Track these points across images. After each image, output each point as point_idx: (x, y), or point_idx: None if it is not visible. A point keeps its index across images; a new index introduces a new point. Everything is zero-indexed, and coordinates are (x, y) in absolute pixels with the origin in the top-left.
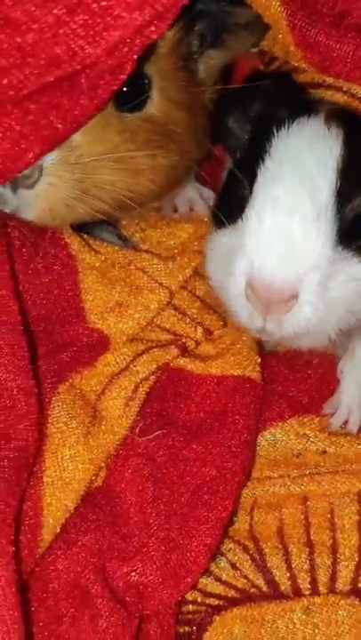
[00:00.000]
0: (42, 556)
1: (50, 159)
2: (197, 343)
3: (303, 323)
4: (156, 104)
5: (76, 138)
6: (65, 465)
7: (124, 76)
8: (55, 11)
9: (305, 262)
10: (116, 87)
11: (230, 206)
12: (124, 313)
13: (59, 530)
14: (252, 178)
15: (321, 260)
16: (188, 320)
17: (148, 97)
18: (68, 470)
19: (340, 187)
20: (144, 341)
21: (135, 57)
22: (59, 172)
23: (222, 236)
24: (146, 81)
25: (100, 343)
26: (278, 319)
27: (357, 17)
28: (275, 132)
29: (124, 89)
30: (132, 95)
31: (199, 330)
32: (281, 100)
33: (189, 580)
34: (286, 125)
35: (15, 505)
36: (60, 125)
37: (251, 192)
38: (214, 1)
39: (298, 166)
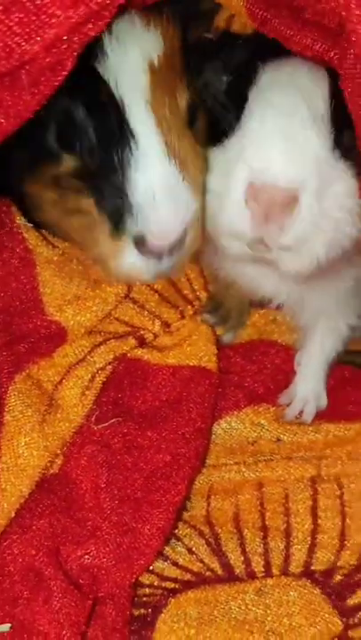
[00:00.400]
0: None
1: (191, 214)
2: (155, 336)
3: (303, 228)
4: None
5: (198, 180)
6: (20, 452)
7: (65, 73)
8: None
9: (307, 164)
10: (57, 83)
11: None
12: (82, 306)
13: (13, 515)
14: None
15: (321, 163)
16: (146, 313)
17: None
18: (23, 457)
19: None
20: (102, 333)
21: (75, 54)
22: (196, 222)
23: (218, 152)
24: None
25: (58, 335)
26: (278, 224)
27: (312, 14)
28: (260, 67)
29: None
30: (192, 118)
31: (157, 322)
32: (261, 48)
33: (142, 562)
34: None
35: None
36: (2, 120)
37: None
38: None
39: (292, 76)
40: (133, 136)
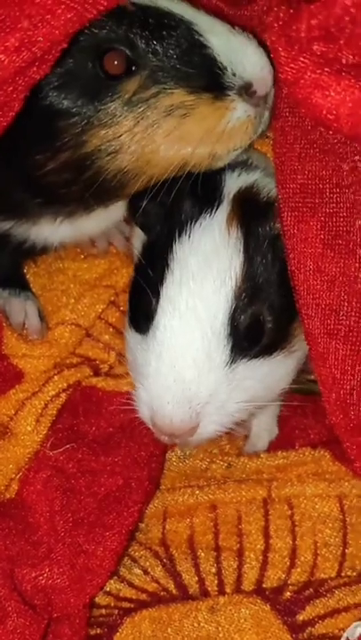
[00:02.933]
0: None
1: None
2: (111, 367)
3: (209, 435)
4: None
5: None
6: None
7: (12, 113)
8: None
9: (200, 399)
10: (5, 123)
11: (140, 314)
12: (41, 354)
13: None
14: (157, 287)
15: (218, 388)
16: (101, 346)
17: None
18: None
19: (238, 298)
20: (58, 367)
21: (22, 96)
22: None
23: (136, 342)
24: None
25: (15, 376)
26: (184, 440)
27: None
28: (177, 238)
29: None
30: None
31: (112, 354)
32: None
33: (96, 582)
34: (188, 232)
35: None
36: None
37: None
38: None
39: (193, 293)
40: None
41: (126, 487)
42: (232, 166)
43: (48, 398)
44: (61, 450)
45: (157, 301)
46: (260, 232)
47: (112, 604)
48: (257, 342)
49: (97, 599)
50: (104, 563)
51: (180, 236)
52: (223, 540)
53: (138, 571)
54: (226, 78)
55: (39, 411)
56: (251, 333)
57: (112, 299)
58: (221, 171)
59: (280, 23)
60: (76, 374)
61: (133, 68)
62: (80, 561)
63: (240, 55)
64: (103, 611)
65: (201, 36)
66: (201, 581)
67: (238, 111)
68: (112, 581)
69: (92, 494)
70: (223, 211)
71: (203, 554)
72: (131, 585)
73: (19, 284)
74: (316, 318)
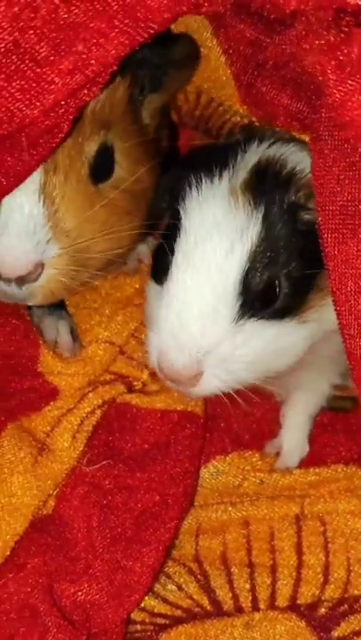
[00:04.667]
0: None
1: (51, 253)
2: (144, 384)
3: (212, 390)
4: (122, 166)
5: (69, 224)
6: (14, 491)
7: (62, 135)
8: None
9: (202, 348)
10: (54, 145)
11: (159, 268)
12: (76, 372)
13: (8, 553)
14: (175, 242)
15: (221, 340)
16: (134, 363)
17: (114, 163)
18: (16, 496)
19: (253, 260)
20: (92, 384)
21: (71, 117)
22: (60, 262)
23: (154, 293)
24: (110, 148)
25: (50, 393)
26: (186, 387)
27: (292, 71)
28: (198, 197)
29: (98, 159)
30: (101, 165)
31: (145, 372)
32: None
33: (134, 598)
34: (207, 195)
35: None
36: (2, 179)
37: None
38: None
39: (207, 251)
40: None
41: (163, 503)
42: (261, 138)
43: (84, 415)
44: (98, 466)
45: (174, 256)
46: (280, 201)
47: (147, 620)
48: (268, 305)
49: (132, 615)
50: (142, 579)
51: (199, 195)
52: (256, 556)
53: (172, 587)
54: None
55: (75, 427)
56: (263, 295)
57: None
58: (247, 139)
59: (330, 46)
60: (111, 391)
61: None
62: (118, 577)
63: None
64: (138, 627)
65: None
66: (235, 597)
67: None
68: (147, 597)
69: (128, 510)
70: (240, 177)
71: (236, 570)
72: (165, 601)
73: (51, 304)
74: (358, 338)
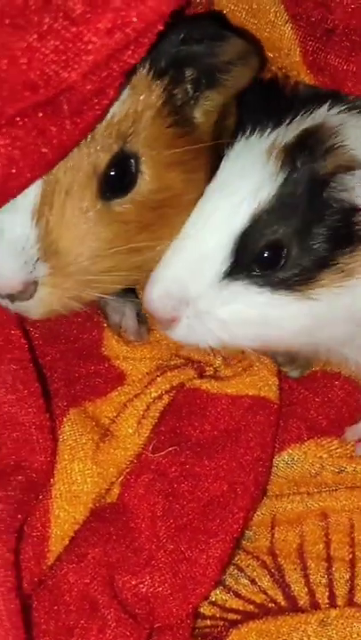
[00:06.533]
0: (53, 569)
1: (42, 272)
2: (216, 370)
3: (184, 338)
4: (148, 177)
5: (65, 243)
6: (74, 478)
7: (107, 102)
8: (27, 37)
9: (180, 296)
10: (100, 112)
11: None
12: (143, 356)
13: (67, 542)
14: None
15: (202, 295)
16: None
17: (137, 174)
18: (76, 484)
19: (257, 220)
20: (160, 368)
21: (118, 83)
22: (54, 281)
23: None
24: (132, 160)
25: (117, 378)
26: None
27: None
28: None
29: (112, 173)
30: (116, 179)
31: (219, 358)
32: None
33: (200, 591)
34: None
35: (19, 518)
36: (46, 150)
37: None
38: (197, 41)
39: (217, 202)
40: None
41: (231, 492)
42: (334, 102)
43: (150, 400)
44: (163, 453)
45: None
46: (309, 170)
47: (218, 615)
48: (267, 271)
49: (202, 609)
50: (208, 571)
51: (243, 142)
52: (335, 549)
53: (245, 581)
54: None
55: (141, 412)
56: (262, 260)
57: None
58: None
59: None
60: (180, 376)
61: None
62: (182, 568)
63: None
64: (208, 622)
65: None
66: (311, 593)
67: None
68: (218, 591)
69: (195, 499)
70: (287, 136)
71: (313, 564)
72: (237, 595)
73: None
74: None
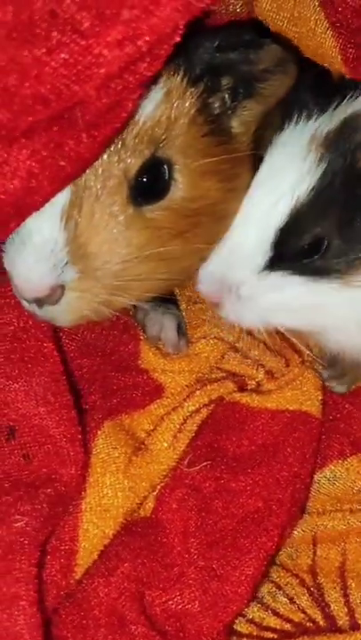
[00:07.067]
0: (82, 583)
1: (70, 276)
2: (259, 384)
3: (230, 319)
4: (182, 185)
5: (94, 247)
6: (104, 492)
7: (125, 114)
8: (35, 51)
9: (224, 283)
10: (118, 124)
11: None
12: (181, 369)
13: (97, 556)
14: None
15: (243, 283)
16: (249, 362)
17: (170, 182)
18: (107, 497)
19: (297, 214)
20: (200, 381)
21: (135, 95)
22: (82, 285)
23: None
24: (165, 166)
25: (155, 390)
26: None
27: None
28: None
29: (144, 179)
30: (147, 185)
31: (261, 371)
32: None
33: (230, 609)
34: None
35: (45, 532)
36: (64, 163)
37: None
38: (232, 49)
39: (259, 196)
40: None
41: (266, 509)
42: None
43: (187, 414)
44: (198, 468)
45: None
46: (350, 164)
47: (254, 634)
48: (306, 260)
49: (239, 627)
50: (239, 589)
51: (288, 131)
52: None
53: (283, 599)
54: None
55: (177, 426)
56: (302, 251)
57: None
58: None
59: None
60: (219, 389)
61: None
62: (213, 586)
63: (15, 253)
64: None
65: None
66: (351, 613)
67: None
68: (255, 609)
69: (229, 515)
70: (329, 126)
71: (353, 583)
72: (275, 614)
73: (162, 298)
74: None
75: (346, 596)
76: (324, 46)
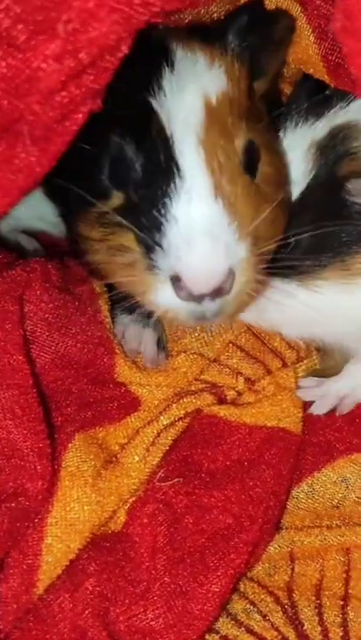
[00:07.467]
0: (48, 598)
1: (240, 256)
2: (239, 393)
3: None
4: (263, 159)
5: (248, 224)
6: (71, 506)
7: (75, 127)
8: None
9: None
10: (68, 137)
11: None
12: (159, 383)
13: (60, 571)
14: None
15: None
16: (228, 371)
17: (258, 156)
18: (73, 511)
19: None
20: (178, 395)
21: (85, 108)
22: (246, 268)
23: None
24: (253, 139)
25: (132, 403)
26: None
27: None
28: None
29: (246, 155)
30: (250, 161)
31: (240, 379)
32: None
33: (195, 627)
34: None
35: (3, 547)
36: (14, 177)
37: None
38: (249, 31)
39: None
40: (180, 172)
41: (237, 525)
42: None
43: (161, 427)
44: (169, 483)
45: None
46: (330, 173)
47: None
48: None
49: None
50: (205, 606)
51: (291, 133)
52: (353, 587)
53: (257, 616)
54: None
55: (150, 439)
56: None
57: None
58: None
59: None
60: (196, 402)
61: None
62: (178, 602)
63: (183, 246)
64: None
65: (173, 204)
66: (325, 632)
67: (163, 295)
68: (229, 626)
69: (198, 531)
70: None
71: (328, 602)
72: (249, 631)
73: (143, 312)
74: None
75: (320, 614)
76: (308, 52)
